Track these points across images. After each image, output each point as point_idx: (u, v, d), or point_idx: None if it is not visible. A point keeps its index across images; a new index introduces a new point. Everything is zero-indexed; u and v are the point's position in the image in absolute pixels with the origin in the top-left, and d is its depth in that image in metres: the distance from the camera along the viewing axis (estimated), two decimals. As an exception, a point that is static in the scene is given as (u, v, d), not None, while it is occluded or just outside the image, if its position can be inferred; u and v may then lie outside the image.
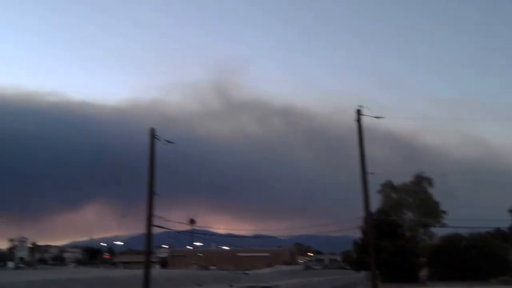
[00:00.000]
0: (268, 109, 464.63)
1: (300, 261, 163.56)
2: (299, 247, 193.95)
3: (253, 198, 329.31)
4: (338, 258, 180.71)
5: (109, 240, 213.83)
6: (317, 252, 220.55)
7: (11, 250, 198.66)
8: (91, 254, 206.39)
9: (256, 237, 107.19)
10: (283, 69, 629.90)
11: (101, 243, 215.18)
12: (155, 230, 22.60)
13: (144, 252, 24.26)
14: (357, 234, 57.43)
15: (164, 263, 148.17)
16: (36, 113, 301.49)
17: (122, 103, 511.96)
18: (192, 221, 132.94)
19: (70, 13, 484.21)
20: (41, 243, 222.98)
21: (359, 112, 27.26)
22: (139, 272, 63.51)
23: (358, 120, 27.25)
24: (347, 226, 29.67)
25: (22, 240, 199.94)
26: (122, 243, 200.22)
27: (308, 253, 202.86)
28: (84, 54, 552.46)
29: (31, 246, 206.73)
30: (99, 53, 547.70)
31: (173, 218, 24.66)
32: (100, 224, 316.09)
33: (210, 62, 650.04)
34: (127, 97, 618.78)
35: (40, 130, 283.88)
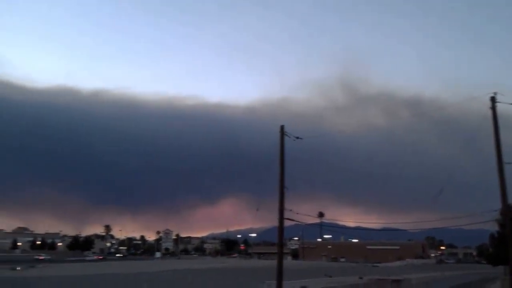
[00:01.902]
0: (395, 100, 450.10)
1: (431, 255, 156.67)
2: (431, 241, 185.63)
3: (381, 191, 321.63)
4: (473, 252, 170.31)
5: (244, 232, 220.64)
6: (450, 246, 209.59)
7: (158, 241, 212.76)
8: (228, 245, 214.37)
9: (385, 230, 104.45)
10: (410, 59, 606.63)
11: (237, 235, 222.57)
12: (286, 223, 22.76)
13: (276, 243, 24.58)
14: (494, 228, 53.71)
15: (295, 254, 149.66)
16: (178, 115, 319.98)
17: (253, 102, 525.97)
18: (321, 214, 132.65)
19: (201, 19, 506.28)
20: (184, 235, 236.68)
21: (493, 99, 25.22)
22: (272, 262, 64.90)
23: (493, 108, 25.21)
24: (483, 219, 27.57)
25: (168, 232, 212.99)
26: (255, 235, 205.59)
27: (441, 247, 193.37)
28: (218, 58, 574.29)
29: (175, 237, 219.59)
30: (231, 56, 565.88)
31: (303, 212, 24.67)
32: (235, 217, 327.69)
33: (335, 58, 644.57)
34: (257, 97, 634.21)
35: (182, 131, 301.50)
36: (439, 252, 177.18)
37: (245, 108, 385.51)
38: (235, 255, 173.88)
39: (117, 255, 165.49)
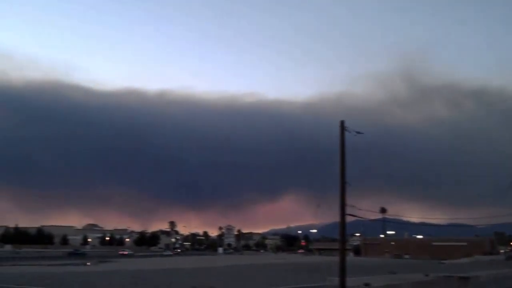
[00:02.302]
0: (460, 92, 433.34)
1: (501, 251, 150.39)
2: (500, 236, 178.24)
3: (446, 185, 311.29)
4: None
5: (304, 228, 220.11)
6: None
7: (220, 237, 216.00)
8: (289, 241, 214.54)
9: (451, 225, 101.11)
10: (475, 48, 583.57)
11: (298, 231, 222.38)
12: (348, 219, 22.47)
13: (338, 239, 24.32)
14: None
15: (357, 251, 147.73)
16: (237, 113, 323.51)
17: (311, 98, 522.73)
18: (383, 210, 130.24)
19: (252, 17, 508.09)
20: (245, 230, 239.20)
21: None
22: (333, 258, 64.38)
23: None
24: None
25: (230, 228, 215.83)
26: (316, 231, 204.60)
27: (511, 243, 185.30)
28: (276, 55, 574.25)
29: (237, 233, 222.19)
30: (288, 52, 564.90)
31: (364, 207, 24.30)
32: (296, 213, 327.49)
33: (396, 50, 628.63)
34: (315, 92, 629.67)
35: (242, 128, 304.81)
36: (509, 248, 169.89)
37: (303, 104, 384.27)
38: (301, 251, 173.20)
39: (178, 250, 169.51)
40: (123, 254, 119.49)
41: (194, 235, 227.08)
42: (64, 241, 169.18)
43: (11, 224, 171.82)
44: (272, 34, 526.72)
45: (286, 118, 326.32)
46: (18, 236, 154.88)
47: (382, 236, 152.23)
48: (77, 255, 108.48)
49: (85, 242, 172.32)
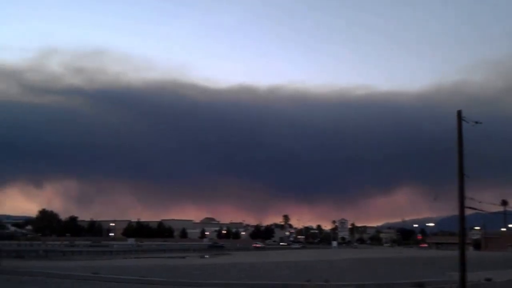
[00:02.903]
0: None
1: None
2: None
3: None
4: None
5: (420, 222, 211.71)
6: None
7: (333, 230, 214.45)
8: (404, 235, 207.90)
9: None
10: None
11: (413, 225, 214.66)
12: (467, 212, 21.19)
13: (456, 233, 23.05)
14: None
15: (477, 245, 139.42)
16: (348, 106, 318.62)
17: (426, 88, 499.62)
18: (504, 203, 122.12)
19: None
20: (359, 224, 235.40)
21: None
22: (451, 253, 61.26)
23: None
24: None
25: (343, 222, 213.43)
26: (433, 225, 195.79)
27: None
28: (386, 46, 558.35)
29: (350, 227, 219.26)
30: (400, 43, 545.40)
31: (484, 200, 22.73)
32: (411, 206, 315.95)
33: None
34: (430, 82, 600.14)
35: (353, 121, 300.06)
36: None
37: (418, 94, 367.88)
38: (424, 245, 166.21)
39: (297, 244, 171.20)
40: (256, 247, 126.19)
41: (307, 229, 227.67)
42: (183, 234, 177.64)
43: (134, 219, 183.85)
44: (382, 24, 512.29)
45: (399, 109, 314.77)
46: (140, 230, 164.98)
47: (503, 229, 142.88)
48: (216, 247, 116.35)
49: (203, 235, 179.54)
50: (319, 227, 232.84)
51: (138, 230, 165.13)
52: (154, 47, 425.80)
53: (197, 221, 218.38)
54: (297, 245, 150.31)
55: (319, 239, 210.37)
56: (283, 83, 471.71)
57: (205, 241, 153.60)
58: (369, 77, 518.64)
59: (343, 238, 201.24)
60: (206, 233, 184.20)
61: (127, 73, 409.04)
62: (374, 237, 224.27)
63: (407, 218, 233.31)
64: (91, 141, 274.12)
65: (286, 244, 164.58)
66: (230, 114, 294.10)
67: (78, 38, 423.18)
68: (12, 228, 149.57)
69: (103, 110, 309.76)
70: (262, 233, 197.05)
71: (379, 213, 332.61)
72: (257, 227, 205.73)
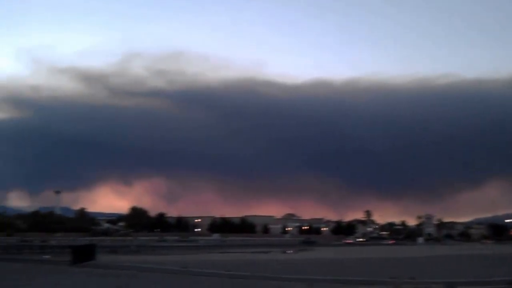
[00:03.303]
0: None
1: None
2: None
3: None
4: None
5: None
6: None
7: (419, 226, 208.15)
8: (496, 231, 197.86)
9: None
10: None
11: (506, 220, 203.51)
12: None
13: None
14: None
15: None
16: (430, 96, 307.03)
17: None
18: None
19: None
20: (446, 220, 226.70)
21: None
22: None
23: None
24: None
25: (429, 217, 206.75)
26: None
27: None
28: (470, 31, 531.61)
29: (437, 222, 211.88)
30: (483, 27, 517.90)
31: None
32: (503, 200, 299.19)
33: None
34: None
35: (436, 112, 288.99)
36: None
37: (506, 82, 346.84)
38: None
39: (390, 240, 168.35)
40: (347, 243, 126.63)
41: (391, 224, 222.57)
42: (265, 230, 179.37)
43: (218, 215, 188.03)
44: (463, 9, 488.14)
45: (487, 98, 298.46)
46: (224, 226, 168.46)
47: None
48: (308, 243, 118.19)
49: (284, 231, 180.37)
50: (403, 222, 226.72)
51: (222, 225, 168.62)
52: (230, 46, 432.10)
53: (279, 217, 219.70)
54: (388, 241, 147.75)
55: (403, 235, 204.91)
56: (359, 76, 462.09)
57: (287, 237, 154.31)
58: (451, 65, 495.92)
59: (429, 234, 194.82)
60: (287, 229, 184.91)
61: (205, 73, 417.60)
62: (463, 233, 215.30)
63: (499, 213, 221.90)
64: (176, 140, 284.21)
65: (364, 240, 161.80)
66: (308, 109, 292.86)
67: (158, 41, 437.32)
68: (106, 225, 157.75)
69: (184, 110, 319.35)
70: (344, 229, 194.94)
71: (467, 207, 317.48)
72: (339, 223, 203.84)
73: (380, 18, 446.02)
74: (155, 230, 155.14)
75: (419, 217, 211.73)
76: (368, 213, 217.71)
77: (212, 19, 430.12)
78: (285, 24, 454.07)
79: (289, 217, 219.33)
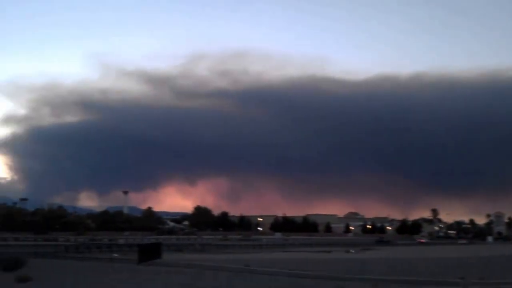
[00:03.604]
0: None
1: None
2: None
3: None
4: None
5: None
6: None
7: (488, 225, 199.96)
8: None
9: None
10: None
11: None
12: None
13: None
14: None
15: None
16: (500, 90, 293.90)
17: None
18: None
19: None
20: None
21: None
22: None
23: None
24: None
25: (499, 216, 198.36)
26: None
27: None
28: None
29: (507, 221, 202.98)
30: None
31: None
32: None
33: None
34: None
35: (507, 106, 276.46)
36: None
37: None
38: None
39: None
40: (421, 242, 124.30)
41: (458, 223, 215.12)
42: (328, 229, 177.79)
43: (279, 214, 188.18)
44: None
45: None
46: (286, 224, 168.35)
47: None
48: (383, 242, 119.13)
49: (347, 230, 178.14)
50: (471, 221, 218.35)
51: (284, 224, 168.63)
52: (292, 44, 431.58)
53: (341, 215, 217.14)
54: (463, 241, 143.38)
55: (472, 234, 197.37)
56: (425, 70, 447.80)
57: (350, 236, 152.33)
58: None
59: (499, 233, 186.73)
60: (350, 227, 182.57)
61: (268, 72, 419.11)
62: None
63: None
64: (238, 140, 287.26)
65: (428, 239, 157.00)
66: (371, 105, 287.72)
67: (221, 42, 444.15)
68: (171, 224, 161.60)
69: (247, 109, 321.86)
70: (409, 228, 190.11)
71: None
72: (404, 222, 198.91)
73: (446, 10, 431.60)
74: (218, 229, 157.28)
75: (488, 216, 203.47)
76: (434, 212, 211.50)
77: (272, 17, 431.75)
78: (346, 19, 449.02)
79: (352, 216, 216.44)
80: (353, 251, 77.59)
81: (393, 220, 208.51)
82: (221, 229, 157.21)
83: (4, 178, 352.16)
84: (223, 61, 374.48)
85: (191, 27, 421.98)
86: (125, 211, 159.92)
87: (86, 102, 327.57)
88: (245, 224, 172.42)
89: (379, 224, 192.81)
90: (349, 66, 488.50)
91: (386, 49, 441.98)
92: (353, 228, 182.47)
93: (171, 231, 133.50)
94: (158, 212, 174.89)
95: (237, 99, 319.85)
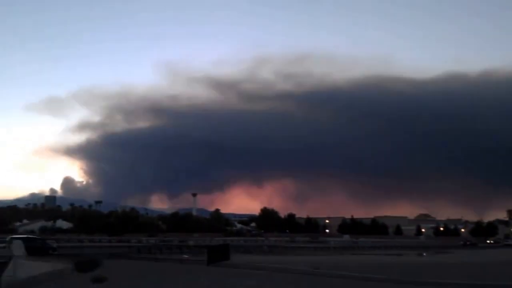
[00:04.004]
0: None
1: None
2: None
3: None
4: None
5: None
6: None
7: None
8: None
9: None
10: None
11: None
12: None
13: None
14: None
15: None
16: None
17: None
18: None
19: None
20: None
21: None
22: None
23: None
24: None
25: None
26: None
27: None
28: None
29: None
30: None
31: None
32: None
33: None
34: None
35: None
36: None
37: None
38: None
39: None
40: (508, 245, 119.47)
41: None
42: (398, 231, 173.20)
43: (347, 215, 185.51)
44: None
45: None
46: (354, 227, 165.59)
47: None
48: (469, 245, 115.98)
49: (418, 232, 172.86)
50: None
51: (352, 226, 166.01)
52: (355, 44, 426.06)
53: (412, 217, 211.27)
54: None
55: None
56: (495, 67, 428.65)
57: (422, 238, 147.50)
58: None
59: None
60: (422, 230, 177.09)
61: (332, 74, 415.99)
62: None
63: None
64: (304, 141, 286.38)
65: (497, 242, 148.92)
66: (440, 104, 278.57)
67: (285, 45, 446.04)
68: (239, 226, 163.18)
69: (312, 112, 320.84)
70: (484, 230, 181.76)
71: None
72: (478, 224, 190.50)
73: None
74: (286, 231, 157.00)
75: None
76: (510, 213, 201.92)
77: (335, 19, 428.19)
78: (412, 17, 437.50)
79: (423, 218, 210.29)
80: (425, 254, 75.15)
81: (466, 222, 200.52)
82: (288, 231, 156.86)
83: (80, 182, 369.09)
84: (287, 64, 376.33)
85: (255, 31, 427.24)
86: (194, 213, 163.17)
87: (156, 108, 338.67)
88: (312, 226, 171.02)
89: (452, 226, 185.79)
90: (416, 64, 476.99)
91: (454, 46, 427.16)
92: (424, 230, 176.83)
93: (239, 233, 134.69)
94: (225, 214, 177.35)
95: (302, 101, 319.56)
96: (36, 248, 43.32)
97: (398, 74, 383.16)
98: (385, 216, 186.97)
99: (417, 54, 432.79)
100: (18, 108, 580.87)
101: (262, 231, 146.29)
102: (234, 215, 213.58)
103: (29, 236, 53.26)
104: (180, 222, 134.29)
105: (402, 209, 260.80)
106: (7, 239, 44.28)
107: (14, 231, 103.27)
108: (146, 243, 70.68)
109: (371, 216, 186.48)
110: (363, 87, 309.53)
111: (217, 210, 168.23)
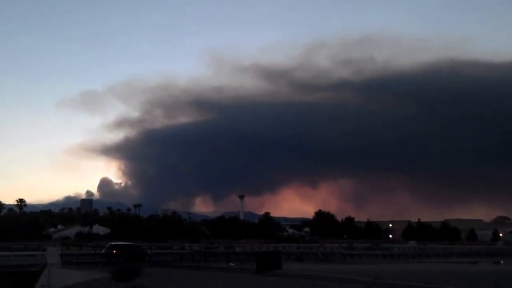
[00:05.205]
0: None
1: None
2: None
3: None
4: None
5: None
6: None
7: None
8: None
9: None
10: None
11: None
12: None
13: None
14: None
15: None
16: None
17: None
18: None
19: None
20: None
21: None
22: None
23: None
24: None
25: None
26: None
27: None
28: None
29: None
30: None
31: None
32: None
33: None
34: None
35: None
36: None
37: None
38: None
39: None
40: None
41: None
42: (472, 236, 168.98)
43: (414, 219, 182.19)
44: None
45: None
46: (421, 231, 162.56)
47: None
48: None
49: (495, 237, 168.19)
50: None
51: (419, 231, 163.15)
52: (426, 25, 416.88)
53: (488, 220, 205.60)
54: None
55: None
56: None
57: (499, 244, 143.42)
58: None
59: None
60: (499, 234, 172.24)
61: (398, 58, 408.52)
62: None
63: None
64: (364, 135, 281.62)
65: None
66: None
67: (343, 27, 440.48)
68: (290, 231, 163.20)
69: (374, 101, 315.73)
70: None
71: None
72: None
73: None
74: (343, 236, 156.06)
75: None
76: None
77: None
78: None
79: (501, 221, 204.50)
80: (502, 262, 73.20)
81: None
82: (346, 236, 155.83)
83: (118, 184, 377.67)
84: (345, 49, 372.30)
85: (309, 13, 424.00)
86: (241, 216, 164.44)
87: (199, 101, 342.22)
88: (373, 230, 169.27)
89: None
90: (495, 46, 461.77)
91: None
92: (502, 235, 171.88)
93: (290, 239, 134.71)
94: (276, 217, 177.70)
95: (362, 90, 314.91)
96: (134, 254, 47.28)
97: (474, 58, 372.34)
98: (457, 219, 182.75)
99: (496, 36, 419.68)
100: (50, 104, 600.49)
101: (317, 236, 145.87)
102: (286, 219, 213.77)
103: (128, 243, 55.78)
104: (226, 227, 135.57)
105: (477, 211, 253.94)
106: (94, 245, 47.03)
107: (49, 238, 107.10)
108: (189, 250, 71.70)
109: (441, 219, 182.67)
110: (435, 73, 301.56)
111: (267, 214, 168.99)
